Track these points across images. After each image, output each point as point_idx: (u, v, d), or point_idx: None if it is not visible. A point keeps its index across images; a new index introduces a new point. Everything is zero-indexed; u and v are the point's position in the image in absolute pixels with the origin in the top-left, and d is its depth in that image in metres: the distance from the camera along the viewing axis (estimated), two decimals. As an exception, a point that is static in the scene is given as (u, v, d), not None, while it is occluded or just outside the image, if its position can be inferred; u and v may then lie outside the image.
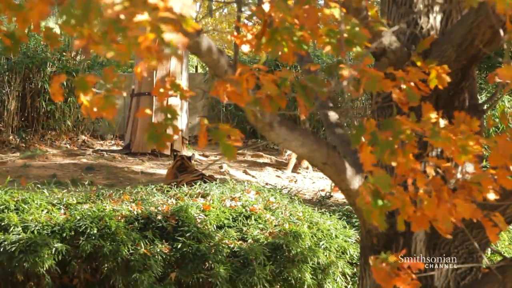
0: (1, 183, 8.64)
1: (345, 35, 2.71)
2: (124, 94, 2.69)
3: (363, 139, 2.83)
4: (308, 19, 2.69)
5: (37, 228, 7.17)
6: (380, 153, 2.76)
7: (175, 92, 2.83)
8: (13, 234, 7.10)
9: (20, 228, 7.15)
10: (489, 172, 2.81)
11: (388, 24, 3.67)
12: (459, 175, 2.83)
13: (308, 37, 2.72)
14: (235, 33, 2.89)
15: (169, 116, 2.79)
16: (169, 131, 2.78)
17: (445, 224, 2.80)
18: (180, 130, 2.86)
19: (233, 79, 2.76)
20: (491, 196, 2.79)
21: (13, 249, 6.93)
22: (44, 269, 6.91)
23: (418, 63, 3.14)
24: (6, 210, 7.43)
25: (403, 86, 2.96)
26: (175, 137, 2.83)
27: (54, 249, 7.00)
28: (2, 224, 7.24)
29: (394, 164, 2.80)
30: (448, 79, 3.09)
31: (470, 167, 2.90)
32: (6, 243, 6.98)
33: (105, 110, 2.57)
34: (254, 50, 2.79)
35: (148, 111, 2.89)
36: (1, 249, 6.99)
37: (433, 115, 2.84)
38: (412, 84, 2.98)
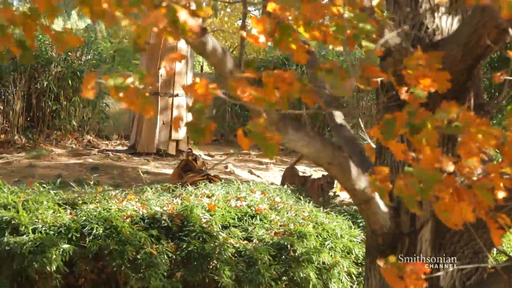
0: (6, 183, 8.65)
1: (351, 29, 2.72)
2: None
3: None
4: (316, 14, 2.70)
5: (43, 228, 7.19)
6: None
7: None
8: (21, 235, 7.11)
9: (28, 229, 7.16)
10: (499, 169, 2.78)
11: (393, 19, 3.65)
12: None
13: (317, 35, 2.73)
14: (243, 32, 2.89)
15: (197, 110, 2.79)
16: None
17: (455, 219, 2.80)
18: (213, 127, 2.85)
19: (248, 77, 2.76)
20: (501, 194, 2.77)
21: (22, 249, 6.94)
22: (53, 269, 6.92)
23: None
24: (13, 210, 7.44)
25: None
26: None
27: (61, 249, 7.02)
28: (11, 224, 7.25)
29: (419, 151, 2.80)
30: (449, 85, 3.08)
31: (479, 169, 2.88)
32: (15, 243, 7.00)
33: (145, 109, 2.64)
34: (270, 46, 2.80)
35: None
36: (10, 250, 7.01)
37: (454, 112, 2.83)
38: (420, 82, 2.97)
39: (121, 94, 2.66)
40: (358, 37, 2.75)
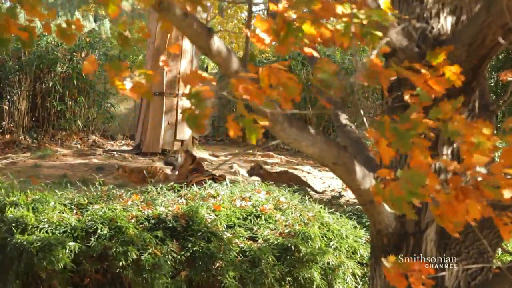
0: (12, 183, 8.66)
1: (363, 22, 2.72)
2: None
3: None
4: (326, 11, 2.70)
5: (50, 228, 7.20)
6: (399, 144, 2.76)
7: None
8: (28, 235, 7.13)
9: (36, 229, 7.19)
10: (502, 169, 2.78)
11: (399, 18, 3.65)
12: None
13: (325, 32, 2.73)
14: (247, 32, 2.89)
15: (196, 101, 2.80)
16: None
17: (456, 223, 2.79)
18: (209, 112, 2.87)
19: (250, 76, 2.76)
20: (507, 194, 2.76)
21: (29, 249, 6.96)
22: (58, 268, 6.94)
23: (434, 63, 3.11)
24: (22, 211, 7.46)
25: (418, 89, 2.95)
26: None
27: (67, 249, 7.04)
28: (19, 224, 7.27)
29: (410, 154, 2.79)
30: (462, 78, 3.08)
31: (482, 168, 2.87)
32: (23, 243, 7.02)
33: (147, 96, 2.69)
34: (276, 45, 2.80)
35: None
36: (18, 249, 7.03)
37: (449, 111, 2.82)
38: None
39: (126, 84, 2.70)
40: (366, 34, 2.75)
